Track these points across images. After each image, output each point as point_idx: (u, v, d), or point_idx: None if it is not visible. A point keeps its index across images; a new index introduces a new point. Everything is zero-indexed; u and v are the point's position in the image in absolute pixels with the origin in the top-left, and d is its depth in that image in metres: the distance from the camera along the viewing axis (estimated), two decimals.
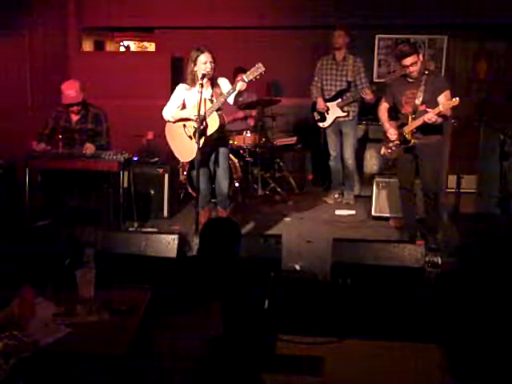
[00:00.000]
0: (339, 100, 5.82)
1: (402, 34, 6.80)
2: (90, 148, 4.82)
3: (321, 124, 5.98)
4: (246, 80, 4.18)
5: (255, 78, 4.18)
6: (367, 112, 6.21)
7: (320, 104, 5.86)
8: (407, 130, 4.40)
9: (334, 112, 5.86)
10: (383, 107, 4.67)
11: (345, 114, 5.83)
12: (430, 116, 4.17)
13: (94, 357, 2.26)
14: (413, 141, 4.42)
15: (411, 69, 4.32)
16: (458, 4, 6.45)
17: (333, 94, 5.86)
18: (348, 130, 5.90)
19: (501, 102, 6.62)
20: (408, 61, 4.29)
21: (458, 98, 4.08)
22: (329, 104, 5.85)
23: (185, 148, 4.50)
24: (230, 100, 4.33)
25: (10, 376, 2.11)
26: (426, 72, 4.39)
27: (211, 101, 4.33)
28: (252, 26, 6.88)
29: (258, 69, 4.16)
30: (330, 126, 5.93)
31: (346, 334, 3.45)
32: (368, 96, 5.65)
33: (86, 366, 2.22)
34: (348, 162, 5.95)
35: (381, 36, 6.92)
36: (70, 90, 4.86)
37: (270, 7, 6.78)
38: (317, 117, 5.97)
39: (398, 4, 6.60)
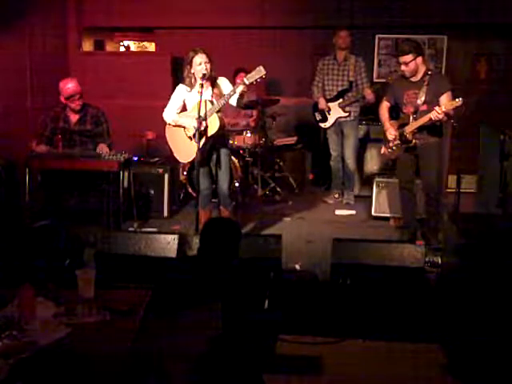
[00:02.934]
0: (341, 100, 5.82)
1: (402, 34, 6.80)
2: (104, 148, 4.83)
3: (322, 124, 5.97)
4: (247, 82, 4.22)
5: (256, 81, 4.22)
6: (368, 112, 6.22)
7: (322, 104, 5.86)
8: (408, 129, 4.40)
9: (336, 112, 5.85)
10: (384, 106, 4.67)
11: (346, 114, 5.82)
12: (437, 114, 4.15)
13: (94, 357, 2.26)
14: (414, 141, 4.41)
15: (403, 67, 4.34)
16: (458, 4, 6.45)
17: (334, 94, 5.86)
18: (349, 130, 5.90)
19: (501, 102, 6.62)
20: (401, 59, 4.31)
21: (461, 99, 4.08)
22: (330, 104, 5.85)
23: (184, 149, 4.51)
24: (233, 102, 4.35)
25: (9, 376, 2.11)
26: (429, 72, 4.39)
27: (211, 102, 4.34)
28: (252, 25, 6.88)
29: (259, 72, 4.19)
30: (331, 126, 5.93)
31: (346, 333, 3.45)
32: (369, 96, 5.65)
33: (86, 366, 2.22)
34: (348, 162, 5.94)
35: (381, 36, 6.92)
36: (69, 84, 4.85)
37: (270, 7, 6.77)
38: (318, 117, 5.97)
39: (398, 4, 6.60)
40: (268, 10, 6.78)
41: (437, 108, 4.16)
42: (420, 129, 4.36)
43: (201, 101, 4.21)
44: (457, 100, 4.10)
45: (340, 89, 5.83)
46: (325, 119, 5.92)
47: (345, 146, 5.94)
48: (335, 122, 5.88)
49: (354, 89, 5.80)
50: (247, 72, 5.95)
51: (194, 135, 4.35)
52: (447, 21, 6.58)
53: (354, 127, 5.94)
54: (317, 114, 5.97)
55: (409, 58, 4.29)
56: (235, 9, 6.79)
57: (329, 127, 5.95)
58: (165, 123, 4.60)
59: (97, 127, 5.00)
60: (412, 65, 4.32)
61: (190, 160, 4.65)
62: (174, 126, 4.54)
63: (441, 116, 4.16)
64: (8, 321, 2.42)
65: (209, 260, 2.58)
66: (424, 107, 4.33)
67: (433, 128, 4.34)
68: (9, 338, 2.29)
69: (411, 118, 4.38)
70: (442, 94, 4.30)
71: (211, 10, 6.79)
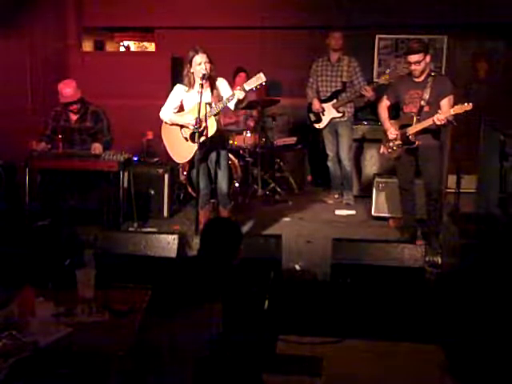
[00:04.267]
0: (334, 101, 5.82)
1: (402, 33, 6.80)
2: (97, 148, 4.84)
3: (317, 125, 5.98)
4: (247, 89, 4.22)
5: (255, 87, 4.22)
6: (366, 112, 6.21)
7: (315, 105, 5.87)
8: (411, 131, 4.38)
9: (330, 113, 5.86)
10: (384, 105, 4.66)
11: (340, 114, 5.83)
12: (441, 117, 4.15)
13: (94, 357, 2.26)
14: (417, 142, 4.40)
15: (413, 66, 4.33)
16: (458, 4, 6.45)
17: (328, 94, 5.86)
18: (343, 130, 5.90)
19: (501, 102, 6.62)
20: (412, 58, 4.30)
21: (471, 104, 4.07)
22: (324, 105, 5.86)
23: (180, 149, 4.51)
24: (231, 105, 4.34)
25: (9, 376, 2.11)
26: (432, 74, 4.39)
27: (210, 104, 4.32)
28: (252, 26, 6.88)
29: (259, 79, 4.20)
30: (325, 126, 5.93)
31: (346, 333, 3.45)
32: (368, 93, 5.63)
33: (86, 365, 2.22)
34: (345, 162, 5.94)
35: (381, 36, 6.92)
36: (67, 89, 4.87)
37: (270, 7, 6.77)
38: (312, 118, 5.98)
39: (398, 4, 6.60)
40: (267, 11, 6.79)
41: (440, 112, 4.16)
42: (422, 130, 4.35)
43: (201, 101, 4.20)
44: (466, 104, 4.09)
45: (334, 89, 5.83)
46: (319, 120, 5.92)
47: (340, 147, 5.93)
48: (329, 122, 5.88)
49: (348, 89, 5.80)
50: (247, 72, 6.01)
51: (192, 136, 4.35)
52: (447, 21, 6.58)
53: (349, 127, 5.93)
54: (311, 115, 5.98)
55: (421, 56, 4.28)
56: (235, 9, 6.80)
57: (323, 128, 5.95)
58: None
59: (97, 124, 5.02)
60: (423, 64, 4.32)
61: (184, 161, 4.65)
62: (170, 124, 4.54)
63: (443, 121, 4.16)
64: (8, 321, 2.42)
65: (209, 260, 2.58)
66: (427, 108, 4.33)
67: (435, 130, 4.33)
68: (9, 338, 2.30)
69: (415, 119, 4.37)
70: (444, 97, 4.30)
71: (211, 9, 6.79)
